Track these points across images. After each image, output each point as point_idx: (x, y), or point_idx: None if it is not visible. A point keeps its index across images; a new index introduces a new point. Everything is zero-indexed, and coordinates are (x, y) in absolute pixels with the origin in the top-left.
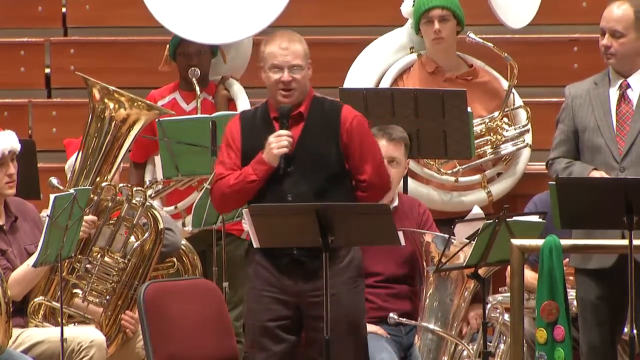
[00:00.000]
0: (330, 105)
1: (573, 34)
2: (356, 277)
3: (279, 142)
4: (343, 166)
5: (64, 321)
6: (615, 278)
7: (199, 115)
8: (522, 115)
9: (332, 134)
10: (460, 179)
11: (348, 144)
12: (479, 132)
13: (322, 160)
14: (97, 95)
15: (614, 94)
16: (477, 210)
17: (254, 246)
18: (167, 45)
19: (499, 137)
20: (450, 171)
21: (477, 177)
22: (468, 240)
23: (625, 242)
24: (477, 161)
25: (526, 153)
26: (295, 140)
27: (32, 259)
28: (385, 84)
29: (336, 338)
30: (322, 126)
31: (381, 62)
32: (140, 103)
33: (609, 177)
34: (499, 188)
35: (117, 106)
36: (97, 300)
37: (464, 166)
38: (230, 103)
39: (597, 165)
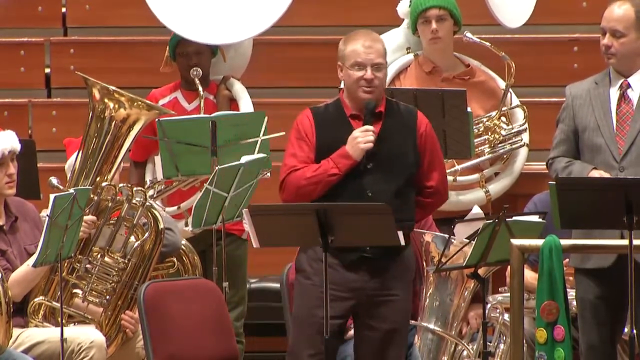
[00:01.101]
0: (405, 108)
1: (573, 33)
2: (411, 281)
3: (365, 136)
4: (416, 170)
5: (64, 321)
6: (614, 278)
7: (198, 115)
8: (520, 114)
9: (410, 137)
10: (459, 178)
11: (422, 147)
12: (477, 131)
13: (401, 160)
14: (97, 95)
15: (614, 93)
16: (477, 210)
17: (254, 246)
18: (167, 47)
19: (497, 137)
20: (448, 170)
21: (475, 176)
22: (468, 240)
23: (625, 242)
24: (475, 160)
25: (524, 152)
26: (375, 138)
27: (32, 259)
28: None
29: (387, 339)
30: (399, 127)
31: None
32: (140, 103)
33: (609, 177)
34: (497, 187)
35: (117, 106)
36: (97, 300)
37: (462, 165)
38: (232, 103)
39: (597, 165)
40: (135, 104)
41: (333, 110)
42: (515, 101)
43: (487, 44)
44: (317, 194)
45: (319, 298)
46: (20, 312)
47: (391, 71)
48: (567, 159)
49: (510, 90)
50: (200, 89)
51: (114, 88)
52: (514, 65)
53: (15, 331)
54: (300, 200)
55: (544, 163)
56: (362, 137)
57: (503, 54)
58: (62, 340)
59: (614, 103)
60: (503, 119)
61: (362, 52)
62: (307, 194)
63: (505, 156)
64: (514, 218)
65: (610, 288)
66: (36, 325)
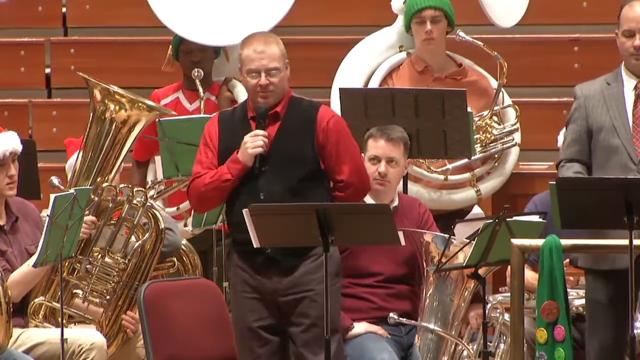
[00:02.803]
0: (307, 105)
1: (573, 33)
2: (333, 276)
3: (254, 141)
4: (319, 166)
5: (64, 321)
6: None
7: (199, 115)
8: (512, 114)
9: (308, 134)
10: (450, 177)
11: (324, 144)
12: None
13: (297, 160)
14: (98, 96)
15: (629, 94)
16: (477, 210)
17: (254, 246)
18: (170, 46)
19: (488, 136)
20: (439, 169)
21: (466, 175)
22: (468, 240)
23: (626, 241)
24: (466, 160)
25: (515, 152)
26: (271, 140)
27: (32, 259)
28: (375, 82)
29: (311, 335)
30: (298, 126)
31: (370, 61)
32: (141, 104)
33: (609, 177)
34: (488, 187)
35: (117, 107)
36: (98, 300)
37: (453, 164)
38: (233, 104)
39: (613, 167)
40: (136, 105)
41: (239, 113)
42: (507, 101)
43: (480, 43)
44: (218, 199)
45: (241, 304)
46: (20, 312)
47: (382, 70)
48: (576, 169)
49: (503, 89)
50: (201, 90)
51: (114, 89)
52: (506, 65)
53: (16, 331)
54: (205, 206)
55: (544, 163)
56: (250, 142)
57: (495, 53)
58: (62, 340)
59: (629, 104)
60: (495, 118)
61: (256, 58)
62: (208, 199)
63: (496, 156)
64: (514, 218)
65: (623, 289)
66: (36, 326)
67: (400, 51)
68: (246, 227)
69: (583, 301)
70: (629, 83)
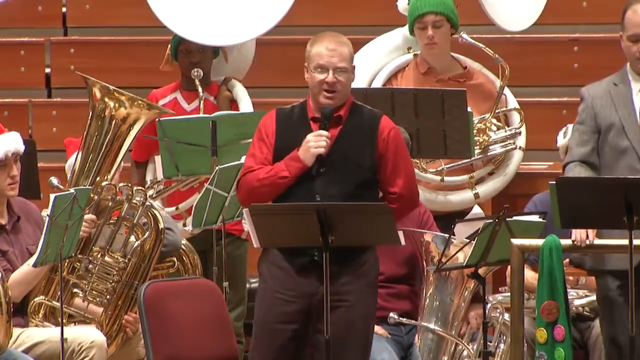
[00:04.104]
0: (369, 113)
1: (573, 33)
2: (373, 286)
3: (317, 141)
4: (375, 175)
5: (64, 321)
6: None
7: (199, 115)
8: (516, 117)
9: (369, 142)
10: (447, 178)
11: (383, 153)
12: None
13: (355, 166)
14: (97, 94)
15: (636, 95)
16: (477, 210)
17: (254, 246)
18: (169, 45)
19: (487, 139)
20: (434, 170)
21: (463, 177)
22: (468, 240)
23: (625, 241)
24: (463, 161)
25: (518, 155)
26: (331, 143)
27: (32, 259)
28: (378, 82)
29: (344, 344)
30: (359, 132)
31: (376, 62)
32: (140, 102)
33: (609, 177)
34: (488, 189)
35: (117, 105)
36: (98, 299)
37: (448, 166)
38: (233, 104)
39: (622, 168)
40: (136, 103)
41: (298, 111)
42: (513, 104)
43: (481, 45)
44: (270, 196)
45: (273, 302)
46: (20, 311)
47: (387, 71)
48: (580, 171)
49: (508, 92)
50: (200, 89)
51: (114, 87)
52: (508, 67)
53: (16, 331)
54: (255, 201)
55: (544, 163)
56: (314, 142)
57: (497, 56)
58: (62, 340)
59: (637, 104)
60: (494, 121)
61: (326, 55)
62: (259, 195)
63: (496, 158)
64: (514, 218)
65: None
66: (36, 325)
67: (409, 52)
68: None
69: (583, 301)
70: (636, 84)
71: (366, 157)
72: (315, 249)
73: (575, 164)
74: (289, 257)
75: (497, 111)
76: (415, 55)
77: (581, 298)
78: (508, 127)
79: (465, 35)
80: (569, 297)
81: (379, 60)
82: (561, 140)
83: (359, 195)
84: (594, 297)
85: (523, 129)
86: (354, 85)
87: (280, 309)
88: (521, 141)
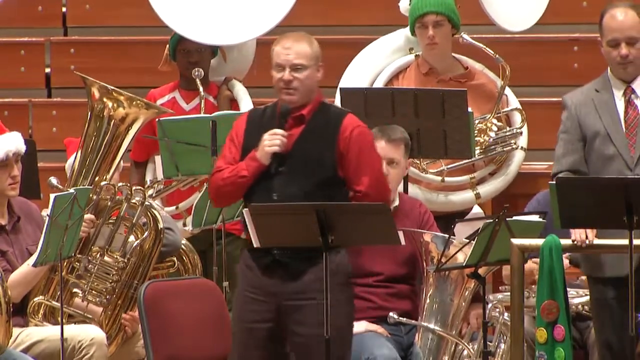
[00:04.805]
0: (334, 112)
1: (573, 33)
2: (344, 284)
3: (271, 139)
4: (336, 173)
5: (63, 321)
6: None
7: (199, 115)
8: (517, 117)
9: (330, 140)
10: (447, 178)
11: (344, 152)
12: None
13: (315, 165)
14: (96, 94)
15: (619, 100)
16: (477, 210)
17: (254, 245)
18: (167, 45)
19: (488, 139)
20: (435, 170)
21: (464, 177)
22: (468, 240)
23: (625, 241)
24: (464, 162)
25: (519, 156)
26: (293, 142)
27: (32, 259)
28: (380, 83)
29: (318, 343)
30: (321, 131)
31: (378, 63)
32: (139, 102)
33: (609, 177)
34: (489, 189)
35: (115, 105)
36: (97, 299)
37: (449, 166)
38: (233, 104)
39: (609, 174)
40: (134, 103)
41: (268, 111)
42: (515, 103)
43: (482, 45)
44: (236, 195)
45: (244, 301)
46: (20, 312)
47: (388, 72)
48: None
49: (510, 92)
50: (201, 89)
51: (112, 87)
52: (508, 67)
53: (15, 331)
54: (222, 200)
55: (544, 163)
56: (268, 141)
57: (497, 56)
58: (62, 340)
59: (621, 110)
60: (495, 121)
61: (282, 53)
62: (225, 194)
63: (497, 158)
64: (514, 218)
65: (627, 291)
66: (36, 325)
67: (411, 53)
68: None
69: (583, 300)
70: (618, 89)
71: (326, 155)
72: (276, 248)
73: (565, 174)
74: (255, 256)
75: (498, 111)
76: (416, 56)
77: (580, 297)
78: (509, 127)
79: (465, 36)
80: (569, 296)
81: (381, 61)
82: None
83: (320, 194)
84: None
85: (524, 129)
86: (354, 84)
87: (251, 307)
88: (523, 141)
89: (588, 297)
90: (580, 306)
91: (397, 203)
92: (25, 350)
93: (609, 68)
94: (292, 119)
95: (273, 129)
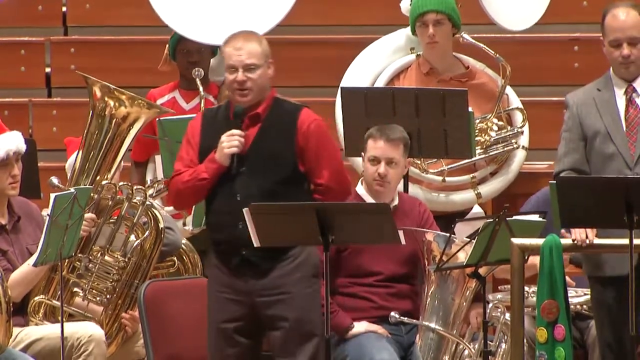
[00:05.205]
0: (289, 107)
1: (573, 33)
2: (310, 277)
3: (230, 141)
4: (297, 169)
5: (64, 320)
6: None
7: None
8: (518, 117)
9: (288, 136)
10: (448, 178)
11: (304, 147)
12: None
13: (275, 162)
14: (97, 93)
15: (620, 99)
16: (477, 210)
17: (254, 245)
18: (167, 45)
19: (488, 138)
20: (436, 170)
21: (465, 177)
22: (469, 240)
23: (626, 241)
24: (464, 161)
25: (520, 155)
26: (251, 141)
27: (32, 259)
28: (381, 83)
29: (288, 338)
30: (278, 128)
31: (379, 62)
32: (140, 101)
33: (609, 176)
34: (490, 189)
35: (117, 104)
36: (98, 299)
37: (450, 166)
38: None
39: (610, 173)
40: (136, 102)
41: (222, 112)
42: (515, 103)
43: (482, 45)
44: (196, 198)
45: (217, 302)
46: (20, 311)
47: (391, 70)
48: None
49: (511, 92)
50: (201, 88)
51: (114, 86)
52: (509, 67)
53: (14, 330)
54: (183, 203)
55: (544, 163)
56: (227, 142)
57: (497, 55)
58: (63, 339)
59: (621, 109)
60: (496, 120)
61: (234, 54)
62: (185, 197)
63: (499, 158)
64: (514, 217)
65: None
66: (36, 324)
67: (412, 53)
68: (222, 227)
69: (581, 299)
70: (620, 88)
71: (286, 152)
72: (244, 248)
73: (567, 173)
74: (223, 257)
75: (499, 111)
76: (417, 55)
77: (580, 296)
78: (511, 126)
79: (466, 35)
80: (569, 296)
81: (382, 61)
82: None
83: (278, 193)
84: None
85: (526, 129)
86: (355, 84)
87: (224, 307)
88: (524, 141)
89: (586, 297)
90: (579, 306)
91: (396, 202)
92: (25, 349)
93: (611, 67)
94: (247, 119)
95: (230, 130)
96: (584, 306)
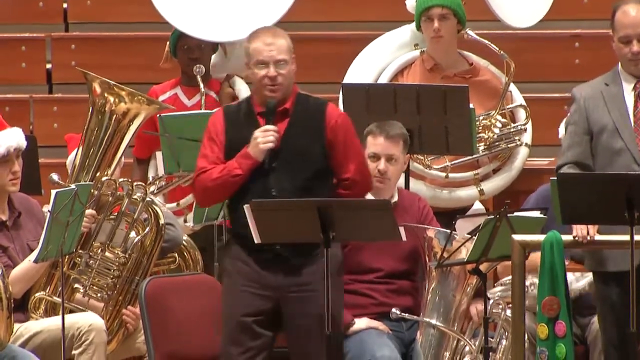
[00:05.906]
0: (315, 102)
1: (575, 29)
2: (335, 275)
3: (265, 136)
4: (326, 163)
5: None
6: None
7: (200, 110)
8: (522, 114)
9: (317, 131)
10: (451, 175)
11: (333, 141)
12: None
13: (307, 157)
14: (97, 89)
15: (629, 94)
16: (478, 206)
17: (255, 241)
18: (168, 42)
19: (491, 135)
20: (439, 167)
21: (468, 174)
22: (470, 236)
23: (627, 237)
24: (468, 158)
25: (524, 152)
26: (280, 136)
27: (33, 255)
28: (385, 79)
29: (313, 334)
30: (306, 123)
31: (383, 58)
32: (140, 97)
33: (610, 172)
34: (493, 186)
35: (117, 100)
36: (98, 295)
37: (453, 162)
38: (235, 100)
39: (617, 168)
40: (136, 98)
41: (244, 108)
42: (519, 100)
43: (486, 41)
44: (225, 195)
45: (238, 297)
46: (21, 307)
47: (395, 66)
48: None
49: (515, 89)
50: (202, 85)
51: (113, 82)
52: (513, 64)
53: (14, 326)
54: (211, 201)
55: (545, 159)
56: (262, 137)
57: (502, 52)
58: (64, 336)
59: (630, 104)
60: (499, 117)
61: (264, 50)
62: (214, 194)
63: (502, 154)
64: (515, 214)
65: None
66: (36, 320)
67: (416, 49)
68: None
69: (581, 283)
70: (628, 83)
71: (316, 147)
72: (278, 244)
73: (569, 166)
74: (252, 252)
75: (502, 108)
76: (422, 52)
77: (578, 280)
78: (514, 123)
79: (471, 32)
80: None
81: (386, 57)
82: (562, 132)
83: (310, 187)
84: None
85: (529, 126)
86: (359, 80)
87: (247, 302)
88: (527, 137)
89: (586, 279)
90: (578, 292)
91: (396, 198)
92: (25, 343)
93: (619, 62)
94: (277, 114)
95: (264, 126)
96: (585, 287)
